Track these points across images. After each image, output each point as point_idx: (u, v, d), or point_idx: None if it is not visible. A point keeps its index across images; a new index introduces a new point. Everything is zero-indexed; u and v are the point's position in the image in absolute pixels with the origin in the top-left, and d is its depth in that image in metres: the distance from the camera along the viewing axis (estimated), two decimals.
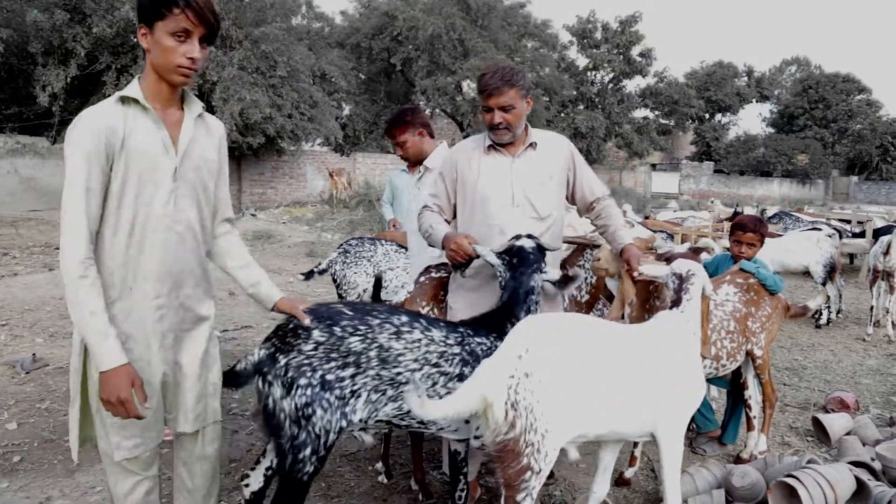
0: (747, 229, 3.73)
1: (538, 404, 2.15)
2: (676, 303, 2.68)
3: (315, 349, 2.23)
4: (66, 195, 1.93)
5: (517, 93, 2.76)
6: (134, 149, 1.98)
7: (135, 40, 13.61)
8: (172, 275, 2.09)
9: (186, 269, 2.14)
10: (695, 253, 2.91)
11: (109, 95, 2.14)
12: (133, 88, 2.03)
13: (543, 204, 2.89)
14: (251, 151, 16.61)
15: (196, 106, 2.16)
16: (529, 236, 2.71)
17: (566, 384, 2.22)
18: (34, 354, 5.11)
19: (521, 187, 2.86)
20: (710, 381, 3.95)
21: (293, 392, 2.20)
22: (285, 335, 2.27)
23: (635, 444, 3.40)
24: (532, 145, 2.91)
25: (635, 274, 2.83)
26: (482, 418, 2.19)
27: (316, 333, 2.24)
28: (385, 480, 3.37)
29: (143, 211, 2.02)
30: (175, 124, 2.10)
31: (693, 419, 3.92)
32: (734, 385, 3.82)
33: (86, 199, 1.93)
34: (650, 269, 2.81)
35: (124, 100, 2.01)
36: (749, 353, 3.55)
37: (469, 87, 23.59)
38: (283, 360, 2.21)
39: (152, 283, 2.05)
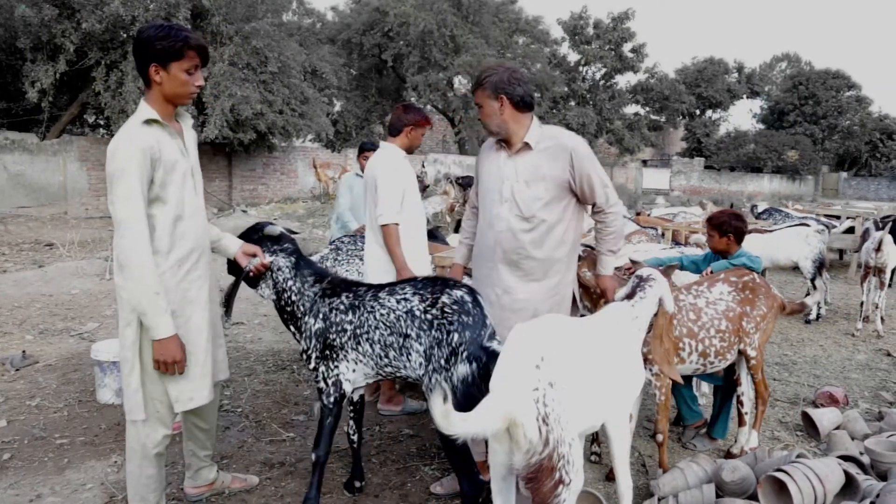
0: (707, 221, 3.97)
1: (564, 413, 2.08)
2: (630, 296, 2.83)
3: None
4: (123, 200, 2.38)
5: (482, 92, 2.95)
6: (166, 158, 2.49)
7: (124, 36, 13.51)
8: (201, 249, 2.67)
9: (206, 245, 2.74)
10: (666, 273, 3.04)
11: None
12: (150, 111, 2.48)
13: (528, 204, 2.93)
14: (242, 147, 16.56)
15: (188, 118, 2.70)
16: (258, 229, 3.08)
17: (577, 388, 2.20)
18: (24, 351, 5.07)
19: (509, 184, 2.97)
20: (702, 377, 3.98)
21: None
22: None
23: None
24: (526, 145, 2.95)
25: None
26: (504, 440, 2.07)
27: None
28: None
29: (180, 206, 2.55)
30: (178, 133, 2.60)
31: (679, 412, 3.95)
32: (726, 380, 3.83)
33: (140, 201, 2.40)
34: (623, 292, 2.98)
35: (148, 122, 2.48)
36: (742, 353, 3.54)
37: (460, 83, 23.58)
38: None
39: (192, 259, 2.60)
